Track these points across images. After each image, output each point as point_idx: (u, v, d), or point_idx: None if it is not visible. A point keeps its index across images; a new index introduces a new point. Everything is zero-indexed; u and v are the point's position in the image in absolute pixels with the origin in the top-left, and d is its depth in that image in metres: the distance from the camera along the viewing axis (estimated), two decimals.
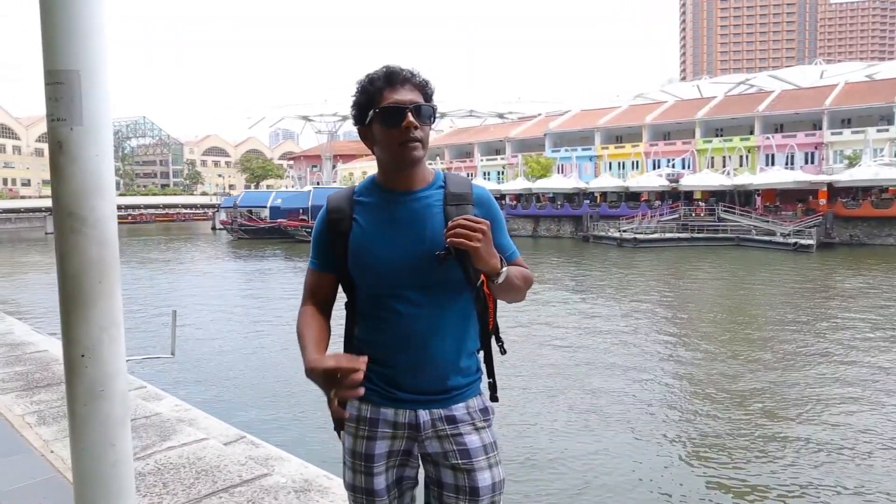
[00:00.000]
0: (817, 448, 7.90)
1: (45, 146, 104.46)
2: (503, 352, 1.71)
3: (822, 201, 38.03)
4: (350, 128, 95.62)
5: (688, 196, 44.07)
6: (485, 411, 1.64)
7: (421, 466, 1.64)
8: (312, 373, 1.39)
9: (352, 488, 1.62)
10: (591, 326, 15.69)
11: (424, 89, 1.56)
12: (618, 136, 53.36)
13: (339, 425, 1.60)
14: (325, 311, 1.67)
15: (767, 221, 37.66)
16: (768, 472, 7.27)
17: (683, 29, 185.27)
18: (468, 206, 1.58)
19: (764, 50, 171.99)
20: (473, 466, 1.57)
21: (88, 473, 1.71)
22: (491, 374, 1.72)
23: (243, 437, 3.60)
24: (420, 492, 1.67)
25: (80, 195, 1.64)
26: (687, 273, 27.65)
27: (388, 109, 1.50)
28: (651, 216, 41.46)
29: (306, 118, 78.35)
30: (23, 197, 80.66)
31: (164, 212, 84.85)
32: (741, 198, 41.66)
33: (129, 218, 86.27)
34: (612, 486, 6.93)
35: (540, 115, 64.12)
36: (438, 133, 73.16)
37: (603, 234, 41.20)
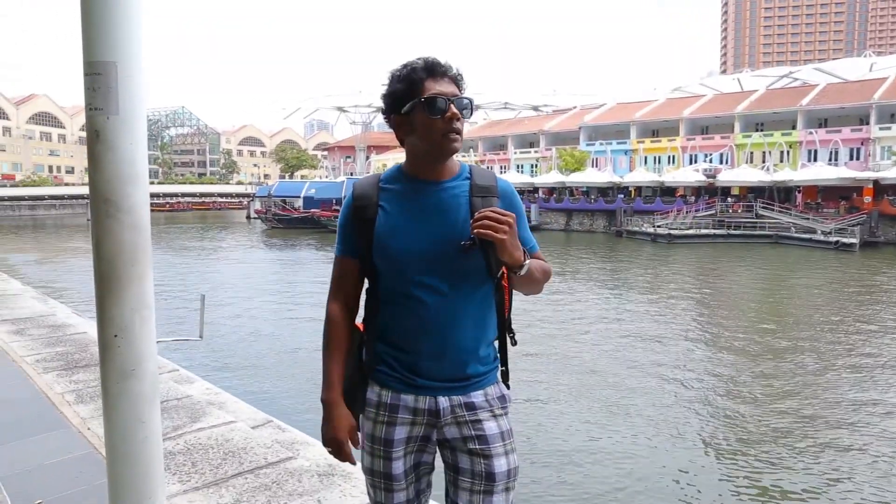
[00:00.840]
0: (854, 454, 7.71)
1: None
2: (514, 343, 1.74)
3: (868, 199, 36.77)
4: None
5: (725, 192, 43.11)
6: (502, 399, 1.67)
7: (438, 452, 1.67)
8: (333, 436, 1.63)
9: (370, 472, 1.65)
10: (622, 322, 15.53)
11: (459, 83, 1.60)
12: (654, 130, 52.47)
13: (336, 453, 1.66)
14: (353, 306, 1.71)
15: (808, 219, 36.63)
16: (802, 477, 7.13)
17: (725, 21, 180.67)
18: (493, 199, 1.62)
19: (810, 42, 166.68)
20: (491, 452, 1.59)
21: (120, 449, 1.79)
22: (504, 362, 1.75)
23: (270, 422, 3.68)
24: (437, 477, 1.71)
25: (115, 182, 1.70)
26: (723, 270, 27.12)
27: (433, 100, 1.53)
28: (686, 212, 40.71)
29: (341, 109, 78.92)
30: (67, 184, 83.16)
31: (200, 200, 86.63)
32: (781, 194, 40.61)
33: (167, 206, 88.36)
34: (638, 487, 6.88)
35: (575, 107, 63.39)
36: (472, 125, 72.92)
37: (636, 229, 40.62)
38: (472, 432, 1.60)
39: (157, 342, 1.84)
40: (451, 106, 1.53)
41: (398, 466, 1.62)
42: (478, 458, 1.60)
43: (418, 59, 1.59)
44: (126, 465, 1.79)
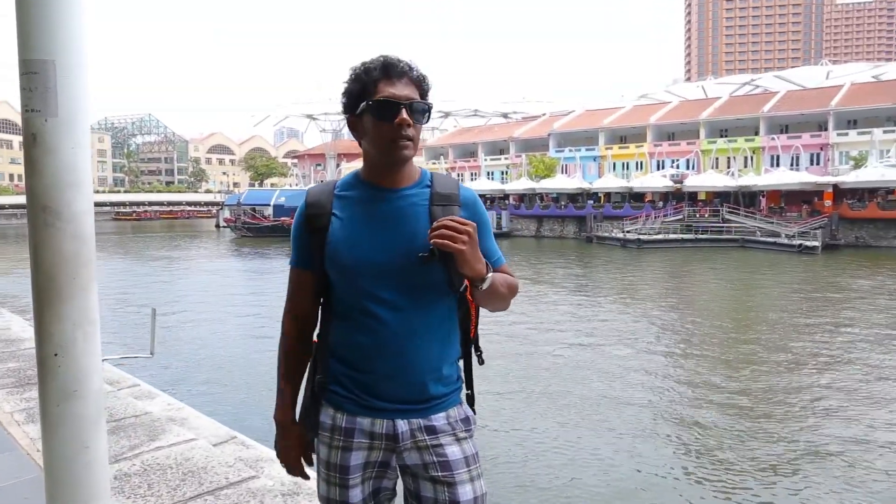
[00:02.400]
0: (822, 454, 7.82)
1: None
2: (481, 362, 1.64)
3: (828, 203, 37.84)
4: None
5: (692, 197, 43.93)
6: (466, 421, 1.57)
7: (399, 479, 1.58)
8: (285, 456, 1.63)
9: (326, 501, 1.55)
10: (593, 328, 15.62)
11: (421, 84, 1.50)
12: (622, 137, 53.24)
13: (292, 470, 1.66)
14: (309, 320, 1.61)
15: (772, 223, 37.51)
16: (770, 479, 7.20)
17: (688, 29, 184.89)
18: (455, 207, 1.51)
19: (770, 51, 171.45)
20: (454, 479, 1.50)
21: (61, 475, 1.66)
22: (469, 384, 1.64)
23: (234, 438, 3.55)
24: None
25: (54, 189, 1.59)
26: (691, 274, 27.55)
27: (382, 103, 1.43)
28: (655, 217, 41.34)
29: (311, 116, 78.35)
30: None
31: (168, 209, 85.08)
32: (746, 199, 41.49)
33: (134, 215, 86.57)
34: (608, 495, 6.85)
35: (544, 114, 64.02)
36: (443, 132, 73.14)
37: (607, 234, 41.10)
38: (434, 458, 1.50)
39: (104, 360, 1.74)
40: (403, 111, 1.42)
41: (356, 494, 1.51)
42: (441, 485, 1.50)
43: (379, 57, 1.48)
44: (67, 492, 1.66)
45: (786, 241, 34.52)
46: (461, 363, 1.62)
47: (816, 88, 49.73)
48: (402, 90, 1.44)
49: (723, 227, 38.73)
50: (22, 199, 71.63)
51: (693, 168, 46.91)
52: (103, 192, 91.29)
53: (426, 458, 1.51)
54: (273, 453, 3.40)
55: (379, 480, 1.55)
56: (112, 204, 79.94)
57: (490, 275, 1.44)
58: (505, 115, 70.86)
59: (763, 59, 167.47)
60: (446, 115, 73.74)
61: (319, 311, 1.61)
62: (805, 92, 49.55)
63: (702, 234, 38.49)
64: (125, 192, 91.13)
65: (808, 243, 33.07)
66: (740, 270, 28.17)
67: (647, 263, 31.09)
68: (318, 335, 1.61)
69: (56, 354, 1.62)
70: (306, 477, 1.64)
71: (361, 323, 1.49)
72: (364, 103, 1.45)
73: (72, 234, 1.61)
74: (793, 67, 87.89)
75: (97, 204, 76.84)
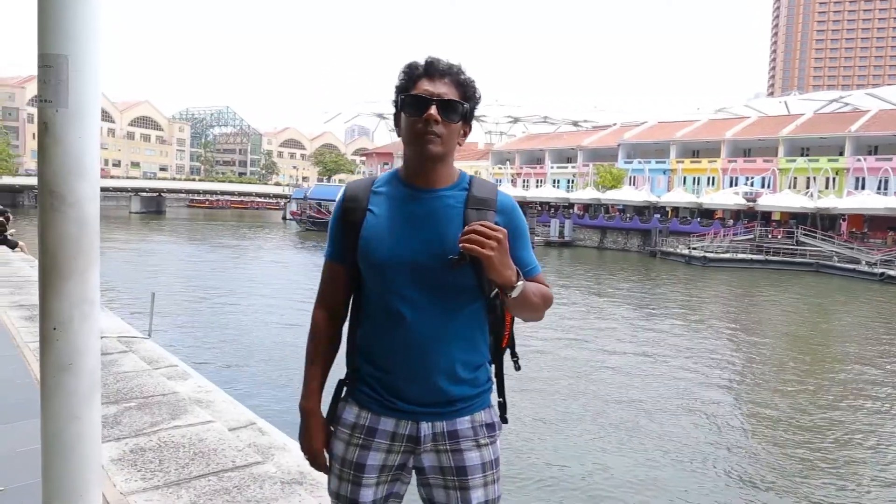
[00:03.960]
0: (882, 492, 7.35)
1: (136, 130, 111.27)
2: (517, 367, 1.63)
3: None
4: None
5: (765, 217, 42.06)
6: (491, 427, 1.57)
7: (410, 482, 1.59)
8: (308, 446, 1.60)
9: (336, 496, 1.56)
10: (652, 346, 15.17)
11: (465, 87, 1.50)
12: (695, 151, 51.55)
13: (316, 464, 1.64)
14: (339, 313, 1.63)
15: (852, 248, 35.43)
16: None
17: (775, 42, 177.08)
18: (489, 213, 1.50)
19: (864, 66, 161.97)
20: (469, 484, 1.51)
21: (53, 444, 1.77)
22: (501, 392, 1.63)
23: (253, 424, 3.66)
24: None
25: (61, 175, 1.69)
26: (759, 296, 26.36)
27: (414, 98, 1.46)
28: (724, 235, 39.83)
29: (381, 116, 79.73)
30: (112, 177, 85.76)
31: (239, 199, 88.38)
32: (824, 222, 39.40)
33: (207, 203, 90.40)
34: None
35: (615, 124, 62.78)
36: (511, 138, 72.87)
37: (671, 249, 39.90)
38: (452, 463, 1.52)
39: (102, 337, 1.84)
40: (433, 107, 1.43)
41: (367, 494, 1.52)
42: (454, 490, 1.52)
43: (429, 56, 1.51)
44: (59, 461, 1.77)
45: (866, 268, 32.54)
46: (492, 368, 1.62)
47: None
48: (439, 88, 1.46)
49: (797, 249, 36.87)
50: (105, 183, 76.01)
51: (768, 187, 44.88)
52: (180, 179, 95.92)
53: (443, 461, 1.52)
54: (287, 442, 3.51)
55: (393, 485, 1.55)
56: (187, 191, 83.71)
57: (521, 283, 1.42)
58: (575, 123, 69.97)
59: (856, 76, 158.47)
60: (515, 120, 73.49)
61: (350, 308, 1.63)
62: None
63: (773, 255, 36.76)
64: (200, 180, 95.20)
65: (891, 272, 31.06)
66: (813, 296, 26.77)
67: (712, 282, 29.98)
68: (348, 332, 1.63)
69: (55, 329, 1.72)
70: (327, 469, 1.61)
71: (387, 322, 1.50)
72: (400, 98, 1.49)
73: (75, 219, 1.71)
74: (888, 85, 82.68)
75: (174, 191, 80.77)
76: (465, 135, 1.56)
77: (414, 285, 1.47)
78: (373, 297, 1.53)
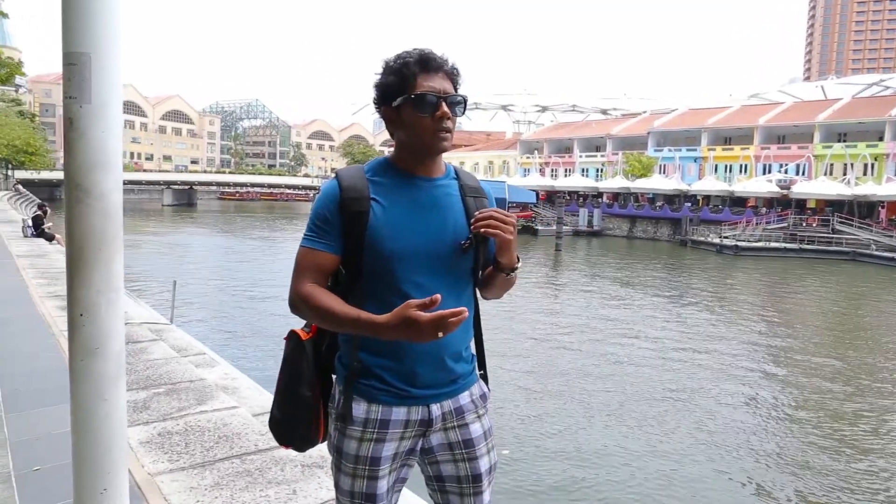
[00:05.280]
0: None
1: (167, 124, 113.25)
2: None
3: None
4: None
5: (800, 204, 41.07)
6: (483, 397, 1.66)
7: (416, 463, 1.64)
8: (415, 324, 1.31)
9: (350, 495, 1.54)
10: (684, 338, 14.99)
11: (455, 78, 1.55)
12: (726, 138, 50.54)
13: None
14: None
15: (891, 236, 34.45)
16: None
17: (812, 25, 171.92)
18: (484, 200, 1.62)
19: None
20: (475, 455, 1.59)
21: (82, 425, 1.86)
22: (483, 365, 1.70)
23: None
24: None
25: (85, 168, 1.77)
26: (794, 286, 25.80)
27: (424, 97, 1.48)
28: (757, 223, 39.05)
29: None
30: (146, 170, 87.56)
31: (268, 191, 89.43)
32: (862, 209, 38.35)
33: (237, 195, 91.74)
34: None
35: (644, 112, 61.83)
36: (539, 127, 72.29)
37: (702, 238, 39.28)
38: (459, 437, 1.58)
39: (126, 323, 1.93)
40: (442, 104, 1.48)
41: (382, 486, 1.53)
42: (462, 462, 1.58)
43: (413, 50, 1.52)
44: (88, 441, 1.86)
45: None
46: (472, 343, 1.70)
47: None
48: (439, 83, 1.50)
49: (832, 238, 35.97)
50: (138, 176, 77.75)
51: (803, 174, 43.81)
52: (211, 172, 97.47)
53: (451, 437, 1.58)
54: None
55: (401, 470, 1.58)
56: (218, 184, 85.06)
57: (520, 264, 1.56)
58: (604, 112, 69.08)
59: None
60: (543, 109, 72.81)
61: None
62: None
63: (807, 244, 35.93)
64: (230, 173, 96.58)
65: None
66: (850, 285, 26.14)
67: (745, 272, 29.45)
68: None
69: (81, 315, 1.81)
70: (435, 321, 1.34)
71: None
72: (404, 96, 1.50)
73: (99, 210, 1.79)
74: None
75: (205, 183, 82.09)
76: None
77: (426, 272, 1.51)
78: (377, 286, 1.50)
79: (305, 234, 1.56)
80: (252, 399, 3.88)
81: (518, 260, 1.55)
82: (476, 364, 1.68)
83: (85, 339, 1.82)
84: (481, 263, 1.60)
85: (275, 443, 3.14)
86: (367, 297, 1.51)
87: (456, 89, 1.54)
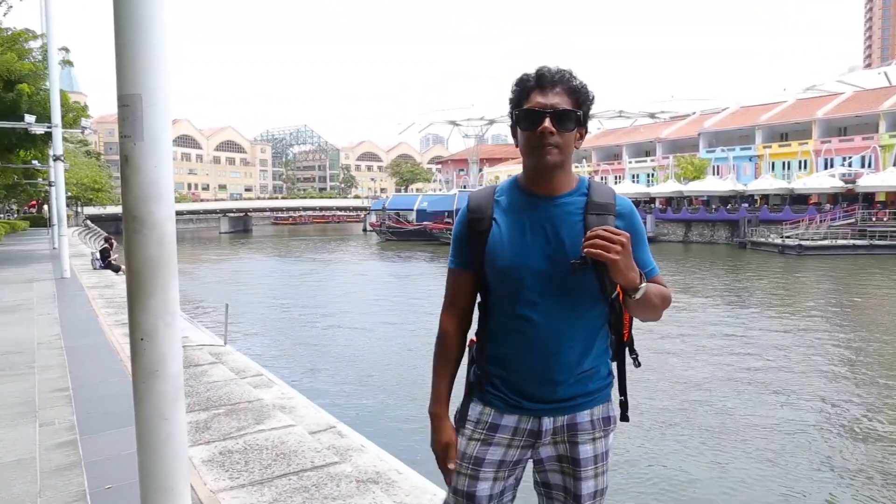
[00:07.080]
0: None
1: (221, 154, 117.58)
2: (637, 364, 1.68)
3: None
4: (496, 131, 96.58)
5: (867, 198, 39.11)
6: (607, 420, 1.64)
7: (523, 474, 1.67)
8: (437, 445, 1.63)
9: (454, 492, 1.62)
10: (746, 344, 14.45)
11: (577, 94, 1.53)
12: (782, 134, 48.79)
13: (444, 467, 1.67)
14: (466, 319, 1.69)
15: None
16: None
17: (870, 8, 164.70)
18: (609, 217, 1.55)
19: None
20: (581, 476, 1.59)
21: (145, 443, 1.97)
22: (623, 391, 1.70)
23: (332, 428, 3.84)
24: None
25: (140, 201, 1.89)
26: (865, 286, 24.50)
27: (527, 112, 1.51)
28: (820, 221, 37.43)
29: (454, 123, 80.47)
30: (203, 200, 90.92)
31: (320, 214, 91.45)
32: None
33: (290, 220, 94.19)
34: None
35: (694, 113, 60.44)
36: (586, 135, 71.49)
37: (762, 239, 37.89)
38: (568, 453, 1.60)
39: (184, 346, 2.02)
40: (546, 119, 1.48)
41: (483, 488, 1.58)
42: (569, 476, 1.61)
43: (538, 68, 1.55)
44: (151, 459, 1.97)
45: None
46: (614, 365, 1.68)
47: None
48: (552, 99, 1.50)
49: None
50: (196, 206, 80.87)
51: (869, 166, 41.79)
52: (264, 198, 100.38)
53: (560, 450, 1.61)
54: (364, 443, 3.66)
55: (507, 481, 1.62)
56: (271, 209, 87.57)
57: (644, 285, 1.47)
58: (652, 115, 67.94)
59: None
60: (590, 117, 72.08)
61: (476, 313, 1.69)
62: None
63: (878, 239, 34.15)
64: (282, 198, 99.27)
65: None
66: None
67: (811, 272, 28.18)
68: (476, 335, 1.69)
69: (142, 339, 1.92)
70: (450, 471, 1.63)
71: (513, 325, 1.56)
72: (516, 113, 1.54)
73: (154, 240, 1.91)
74: None
75: (259, 210, 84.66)
76: (582, 137, 1.59)
77: (538, 290, 1.52)
78: (499, 302, 1.59)
79: (449, 256, 1.70)
80: (308, 417, 3.97)
81: (641, 279, 1.47)
82: (609, 384, 1.66)
83: (146, 362, 1.93)
84: (609, 282, 1.52)
85: (330, 459, 3.23)
86: (491, 311, 1.64)
87: (579, 106, 1.53)
